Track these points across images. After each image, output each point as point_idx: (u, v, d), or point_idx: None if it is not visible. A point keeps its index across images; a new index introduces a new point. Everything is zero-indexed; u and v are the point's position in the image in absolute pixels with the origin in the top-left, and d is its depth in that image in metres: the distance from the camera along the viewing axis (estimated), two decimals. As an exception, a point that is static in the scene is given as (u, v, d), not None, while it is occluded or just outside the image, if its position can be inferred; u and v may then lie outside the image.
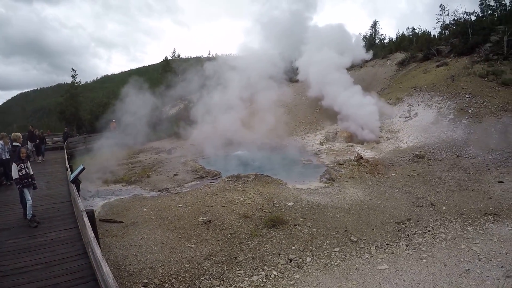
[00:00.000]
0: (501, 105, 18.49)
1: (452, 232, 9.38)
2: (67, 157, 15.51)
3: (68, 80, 44.90)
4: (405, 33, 42.87)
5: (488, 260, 7.80)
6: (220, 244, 8.63)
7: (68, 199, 9.85)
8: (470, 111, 18.93)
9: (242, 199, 11.63)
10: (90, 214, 6.52)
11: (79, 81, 40.32)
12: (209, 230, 9.37)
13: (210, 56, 62.44)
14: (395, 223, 9.86)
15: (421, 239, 8.96)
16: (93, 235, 5.37)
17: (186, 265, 7.63)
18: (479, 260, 7.82)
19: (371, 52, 33.78)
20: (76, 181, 9.78)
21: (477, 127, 17.62)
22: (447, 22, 36.60)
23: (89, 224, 5.88)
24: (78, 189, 9.76)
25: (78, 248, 6.46)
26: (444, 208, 10.99)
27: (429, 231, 9.45)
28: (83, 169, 10.11)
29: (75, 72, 38.05)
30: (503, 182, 13.13)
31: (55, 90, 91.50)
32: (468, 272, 7.30)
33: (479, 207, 11.03)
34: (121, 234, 9.20)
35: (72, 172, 10.77)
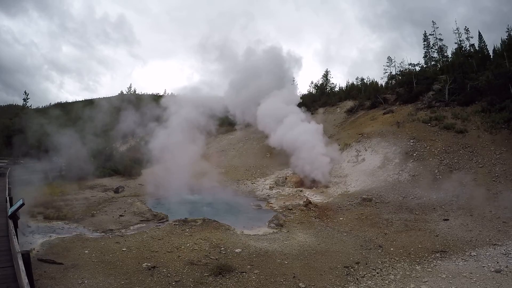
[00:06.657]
0: (443, 148, 19.85)
1: (401, 273, 9.47)
2: (8, 187, 14.21)
3: (18, 101, 42.75)
4: (355, 82, 45.51)
5: (438, 297, 7.85)
6: (164, 292, 8.11)
7: (6, 233, 8.92)
8: (414, 154, 19.96)
9: (188, 244, 11.18)
10: (26, 257, 5.99)
11: (31, 106, 39.36)
12: (153, 277, 8.83)
13: (165, 94, 62.00)
14: (344, 267, 9.79)
15: (370, 282, 8.93)
16: (27, 281, 4.99)
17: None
18: (429, 298, 7.84)
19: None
20: (14, 217, 9.09)
21: (421, 169, 18.64)
22: (393, 72, 39.34)
23: (24, 268, 5.44)
24: (16, 225, 9.08)
25: (13, 290, 5.87)
26: (392, 249, 11.16)
27: (378, 273, 9.47)
28: (22, 204, 9.33)
29: (27, 95, 36.51)
30: (448, 219, 13.70)
31: (4, 110, 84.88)
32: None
33: (426, 245, 11.30)
34: (60, 276, 8.48)
35: (11, 205, 10.01)
